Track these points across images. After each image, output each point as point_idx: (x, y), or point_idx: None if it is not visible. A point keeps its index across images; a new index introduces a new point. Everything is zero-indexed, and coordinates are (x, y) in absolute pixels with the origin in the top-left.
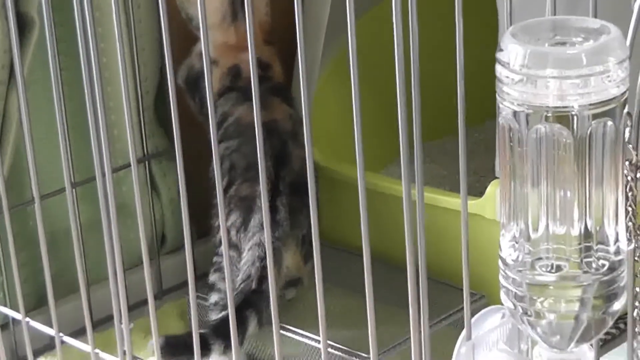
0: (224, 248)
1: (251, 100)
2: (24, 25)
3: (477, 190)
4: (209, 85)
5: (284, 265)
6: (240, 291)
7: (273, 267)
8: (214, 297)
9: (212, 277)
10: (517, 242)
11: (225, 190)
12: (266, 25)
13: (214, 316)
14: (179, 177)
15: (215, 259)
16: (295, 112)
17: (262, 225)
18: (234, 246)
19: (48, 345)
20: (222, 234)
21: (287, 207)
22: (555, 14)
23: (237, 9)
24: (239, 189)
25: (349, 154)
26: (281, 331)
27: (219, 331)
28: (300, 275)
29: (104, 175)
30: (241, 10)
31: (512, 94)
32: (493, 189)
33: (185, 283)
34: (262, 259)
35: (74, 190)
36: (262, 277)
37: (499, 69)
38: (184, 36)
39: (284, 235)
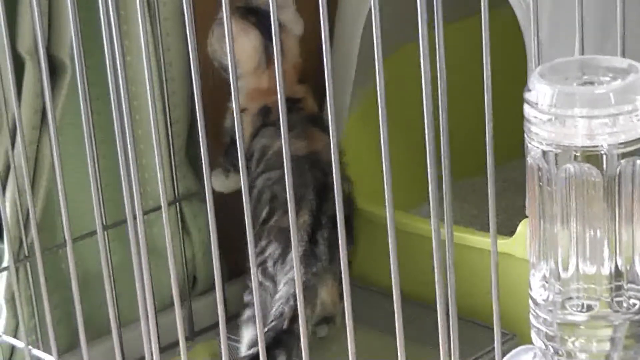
0: (253, 288)
1: (289, 132)
2: (55, 69)
3: (507, 229)
4: (238, 124)
5: (318, 302)
6: (271, 329)
7: (307, 304)
8: (246, 334)
9: (248, 313)
10: (547, 282)
11: (266, 221)
12: (299, 65)
13: (244, 351)
14: (209, 217)
15: (245, 298)
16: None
17: (300, 258)
18: (271, 277)
19: None
20: (252, 273)
21: (327, 242)
22: (583, 52)
23: (270, 54)
24: (280, 220)
25: (381, 194)
26: None
27: None
28: (334, 313)
29: (135, 217)
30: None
31: (541, 133)
32: (523, 228)
33: (217, 324)
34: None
35: (105, 232)
36: (295, 317)
37: (527, 109)
38: (216, 81)
39: (321, 270)
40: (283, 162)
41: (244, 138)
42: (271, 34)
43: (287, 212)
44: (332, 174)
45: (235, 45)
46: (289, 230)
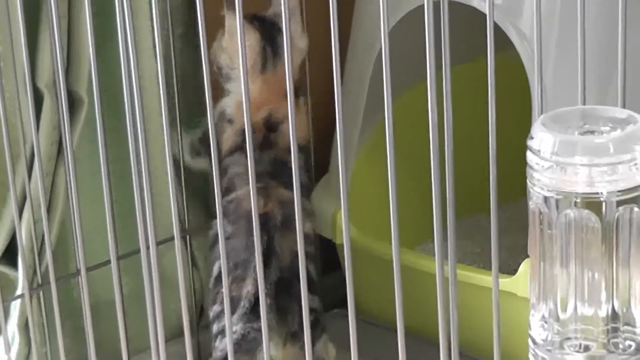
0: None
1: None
2: (72, 103)
3: (510, 267)
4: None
5: (258, 356)
6: None
7: (247, 356)
8: None
9: None
10: (546, 322)
11: (217, 280)
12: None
13: None
14: (221, 249)
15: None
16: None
17: (240, 317)
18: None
19: None
20: (227, 335)
21: (273, 306)
22: (585, 100)
23: (267, 59)
24: (230, 288)
25: (384, 231)
26: None
27: None
28: None
29: (148, 248)
30: (271, 60)
31: (543, 180)
32: (526, 267)
33: None
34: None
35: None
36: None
37: (529, 156)
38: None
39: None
40: (237, 219)
41: (221, 151)
42: (271, 39)
43: (233, 281)
44: (276, 236)
45: (233, 42)
46: (235, 300)
